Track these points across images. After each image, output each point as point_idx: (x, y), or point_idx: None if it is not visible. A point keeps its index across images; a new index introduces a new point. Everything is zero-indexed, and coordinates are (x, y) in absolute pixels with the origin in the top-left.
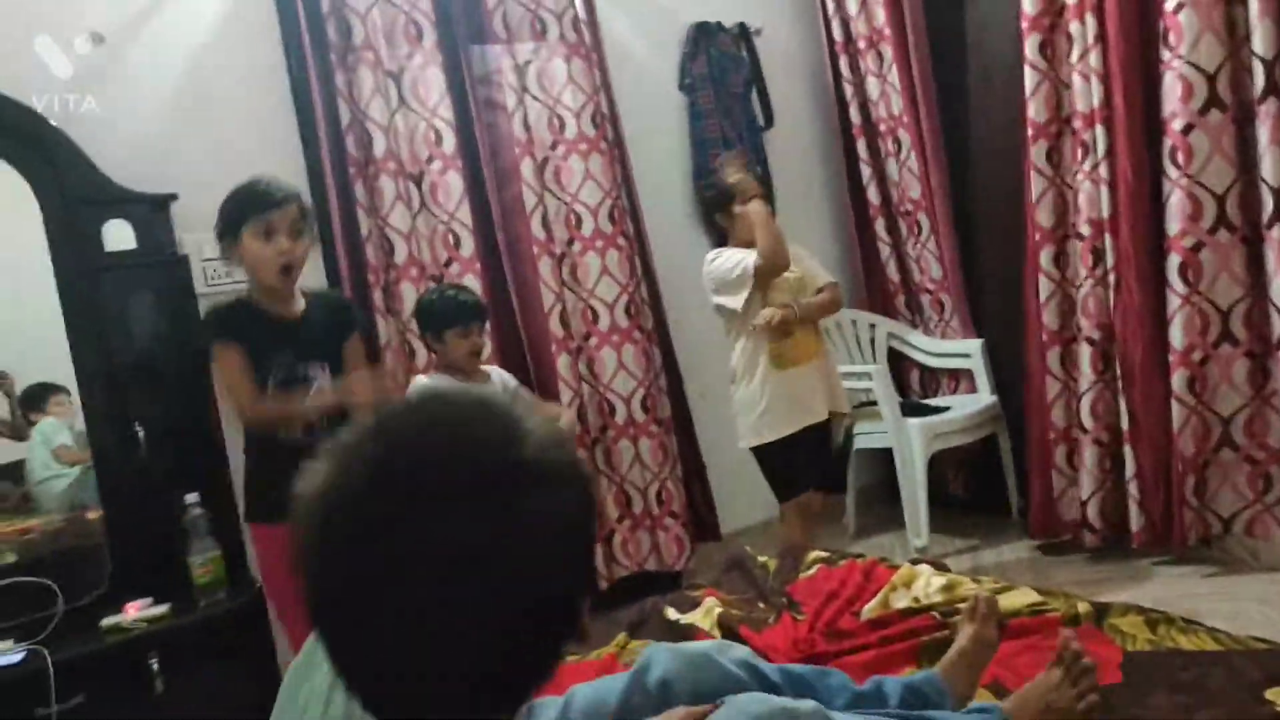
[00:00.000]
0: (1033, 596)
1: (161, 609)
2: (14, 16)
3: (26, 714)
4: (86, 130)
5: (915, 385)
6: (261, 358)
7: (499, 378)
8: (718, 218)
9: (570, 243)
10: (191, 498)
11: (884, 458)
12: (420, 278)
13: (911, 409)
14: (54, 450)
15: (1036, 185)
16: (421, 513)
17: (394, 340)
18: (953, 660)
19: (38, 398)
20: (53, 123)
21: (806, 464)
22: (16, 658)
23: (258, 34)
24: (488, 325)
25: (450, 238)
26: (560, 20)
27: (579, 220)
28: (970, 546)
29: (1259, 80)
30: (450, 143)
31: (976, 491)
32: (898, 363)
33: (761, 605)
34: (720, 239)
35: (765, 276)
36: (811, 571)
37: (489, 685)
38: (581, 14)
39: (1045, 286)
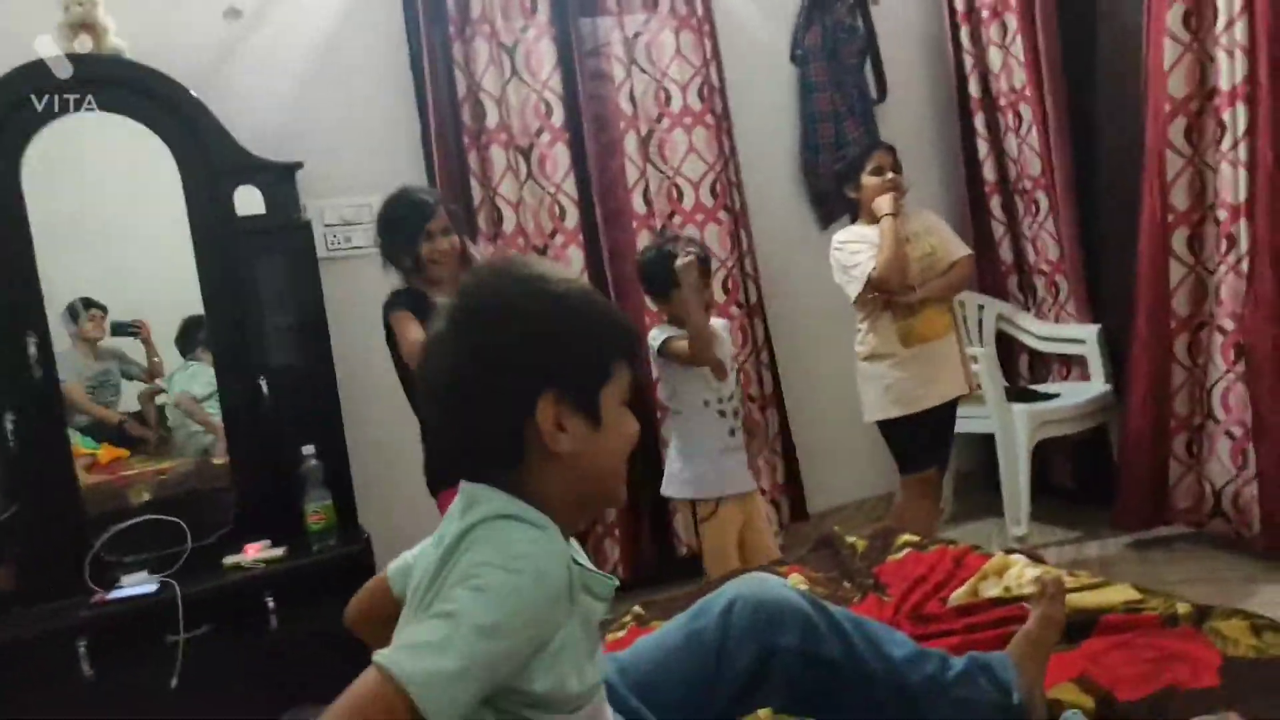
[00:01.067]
0: (1131, 594)
1: (278, 551)
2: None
3: (159, 640)
4: (222, 101)
5: (1024, 370)
6: None
7: (726, 333)
8: (847, 189)
9: (671, 216)
10: (308, 449)
11: (986, 443)
12: (525, 248)
13: (1018, 394)
14: (176, 399)
15: (1173, 165)
16: (461, 329)
17: None
18: (1018, 642)
19: (191, 339)
20: (197, 97)
21: (931, 441)
22: (151, 588)
23: (380, 8)
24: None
25: (556, 209)
26: None
27: (680, 194)
28: (1073, 539)
29: None
30: (559, 115)
31: (1083, 482)
32: (1006, 346)
33: (847, 585)
34: (851, 211)
35: (881, 288)
36: (900, 555)
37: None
38: None
39: (1177, 271)
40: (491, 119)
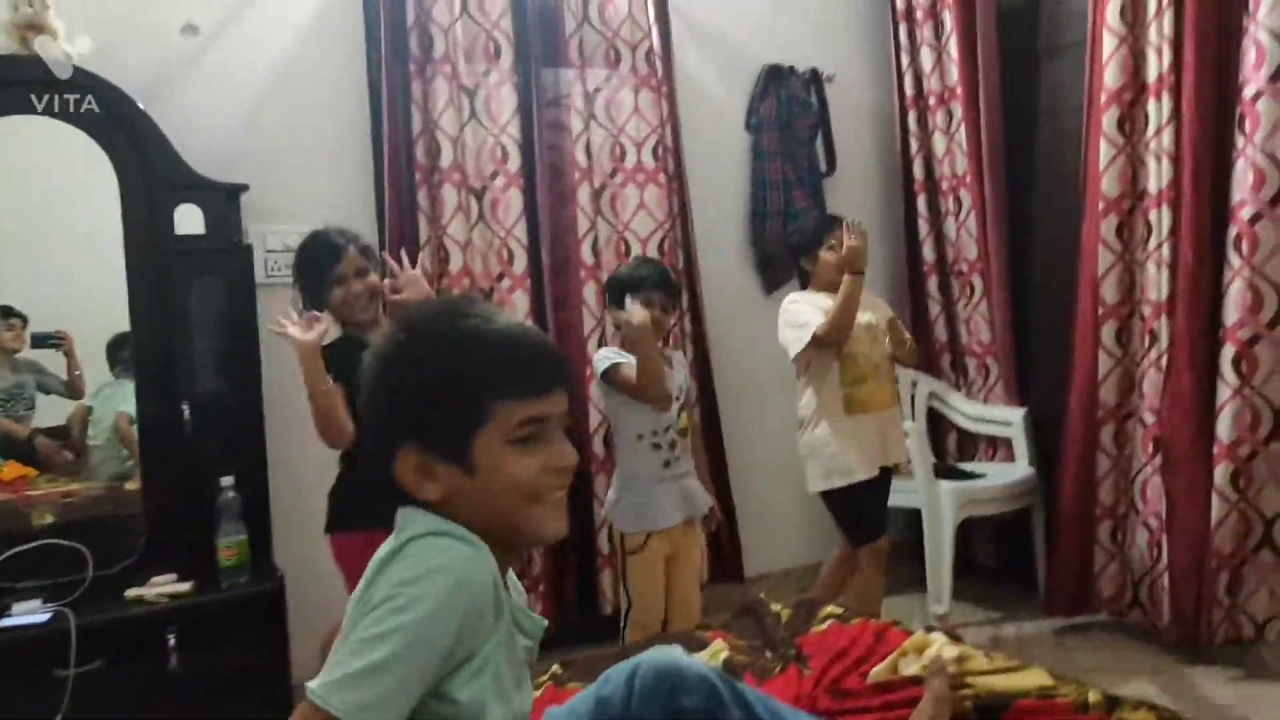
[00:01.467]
0: (1045, 679)
1: (184, 586)
2: (111, 6)
3: (47, 673)
4: (172, 116)
5: (952, 448)
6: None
7: (682, 363)
8: (803, 261)
9: (619, 269)
10: (227, 480)
11: (912, 518)
12: (471, 289)
13: (945, 472)
14: (116, 420)
15: (1104, 260)
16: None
17: None
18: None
19: (119, 355)
20: (145, 109)
21: (877, 511)
22: (43, 617)
23: (342, 39)
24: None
25: (505, 252)
26: (635, 51)
27: (629, 248)
28: (992, 619)
29: None
30: (515, 160)
31: (1005, 563)
32: (936, 423)
33: (769, 654)
34: (802, 278)
35: (820, 345)
36: (824, 626)
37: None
38: (657, 47)
39: (1105, 363)
40: (446, 158)
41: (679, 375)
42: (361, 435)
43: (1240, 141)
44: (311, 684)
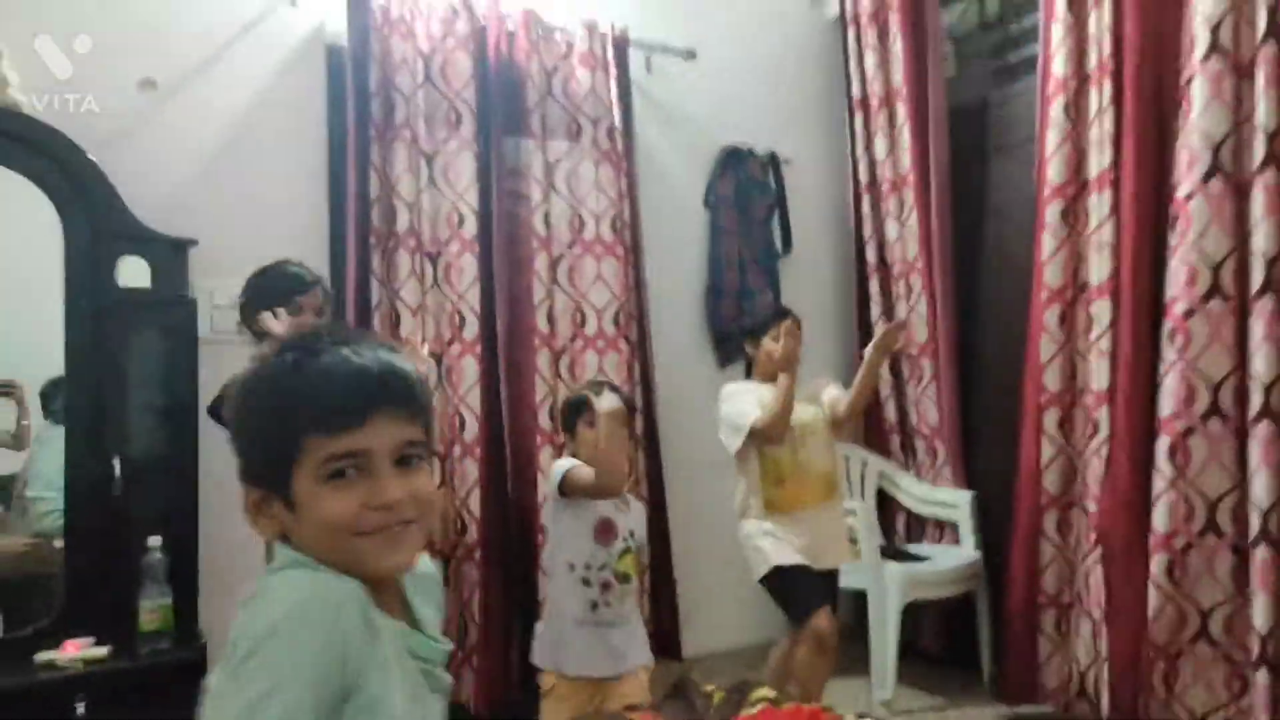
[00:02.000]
0: None
1: (100, 651)
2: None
3: None
4: (122, 168)
5: (900, 529)
6: None
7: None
8: (747, 345)
9: (573, 339)
10: (154, 540)
11: (858, 600)
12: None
13: (892, 553)
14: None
15: (1046, 349)
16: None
17: None
18: None
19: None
20: (92, 158)
21: (811, 584)
22: None
23: (304, 100)
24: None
25: (457, 318)
26: (596, 125)
27: (584, 319)
28: (935, 706)
29: (1258, 274)
30: (472, 227)
31: (950, 648)
32: (885, 504)
33: None
34: (747, 364)
35: (758, 439)
36: (755, 709)
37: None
38: (618, 123)
39: (1048, 449)
40: (402, 223)
41: (631, 520)
42: None
43: (1174, 239)
44: None
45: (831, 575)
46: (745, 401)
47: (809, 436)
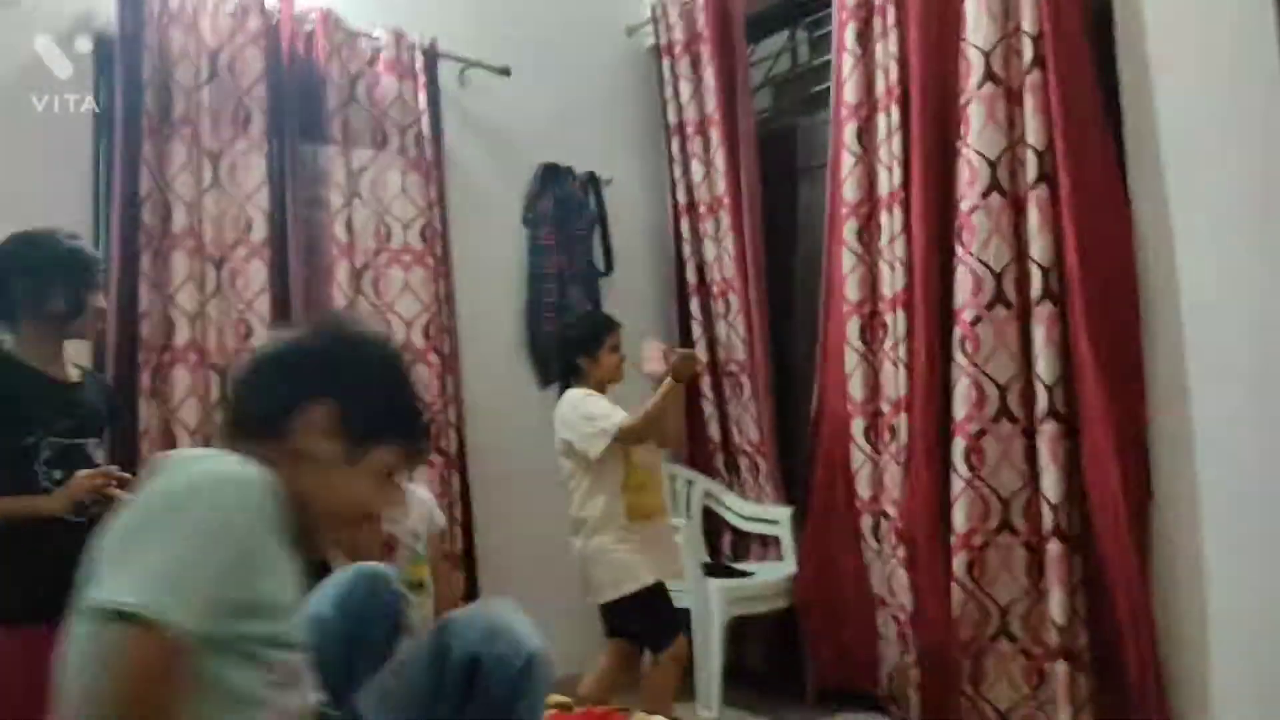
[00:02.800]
0: None
1: None
2: None
3: None
4: None
5: (727, 548)
6: (36, 418)
7: (428, 504)
8: (578, 356)
9: None
10: None
11: (681, 619)
12: (199, 364)
13: (715, 570)
14: None
15: (850, 359)
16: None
17: (154, 426)
18: None
19: None
20: None
21: (671, 608)
22: None
23: (67, 87)
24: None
25: (243, 327)
26: (404, 134)
27: (391, 329)
28: None
29: (1037, 283)
30: (260, 231)
31: (775, 665)
32: (711, 522)
33: None
34: (565, 376)
35: (625, 440)
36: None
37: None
38: (426, 131)
39: (857, 457)
40: (179, 223)
41: (411, 522)
42: None
43: (959, 250)
44: (101, 595)
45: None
46: (602, 405)
47: (652, 447)
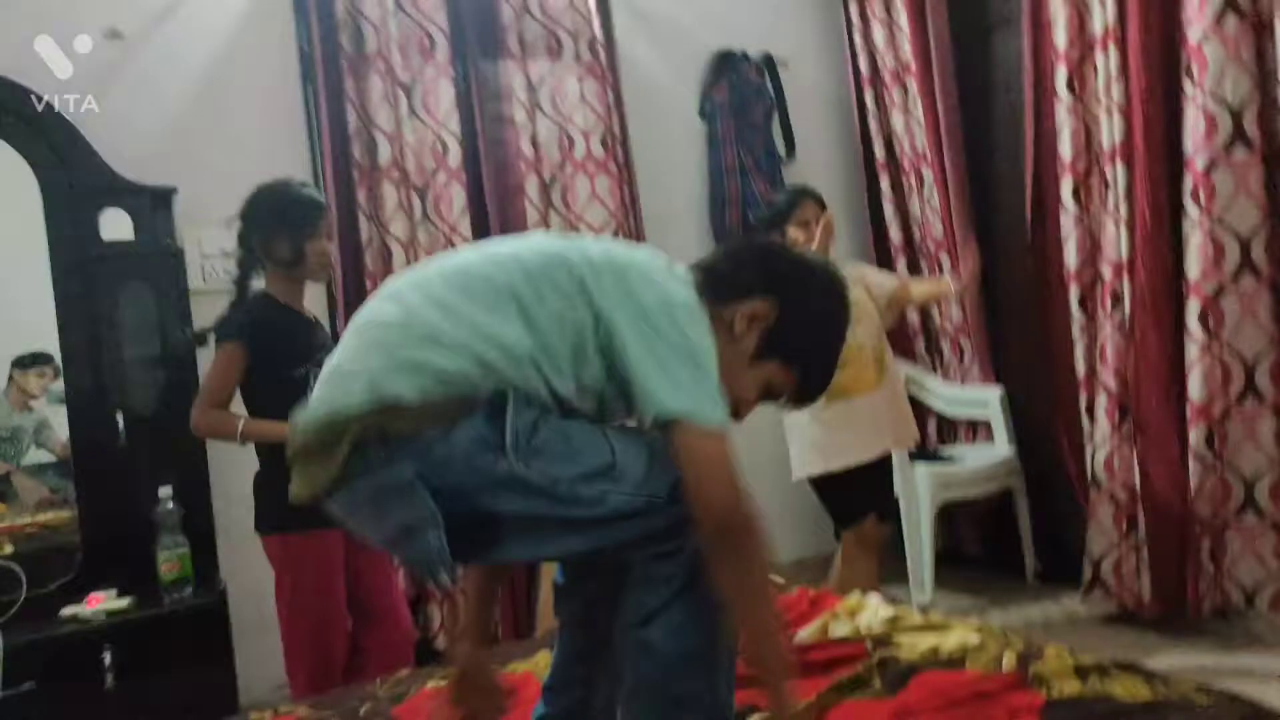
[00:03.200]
0: (970, 637)
1: (123, 602)
2: (26, 9)
3: None
4: (94, 121)
5: (932, 433)
6: (302, 352)
7: None
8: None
9: None
10: (165, 491)
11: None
12: None
13: (922, 457)
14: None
15: (1065, 222)
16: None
17: None
18: None
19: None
20: (59, 111)
21: (863, 494)
22: None
23: (273, 39)
24: None
25: (450, 249)
26: (577, 40)
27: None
28: (977, 607)
29: None
30: (456, 156)
31: (991, 550)
32: (915, 409)
33: None
34: None
35: None
36: None
37: None
38: (599, 35)
39: (1075, 332)
40: (384, 156)
41: None
42: None
43: (1189, 89)
44: (674, 405)
45: (886, 463)
46: None
47: (863, 318)
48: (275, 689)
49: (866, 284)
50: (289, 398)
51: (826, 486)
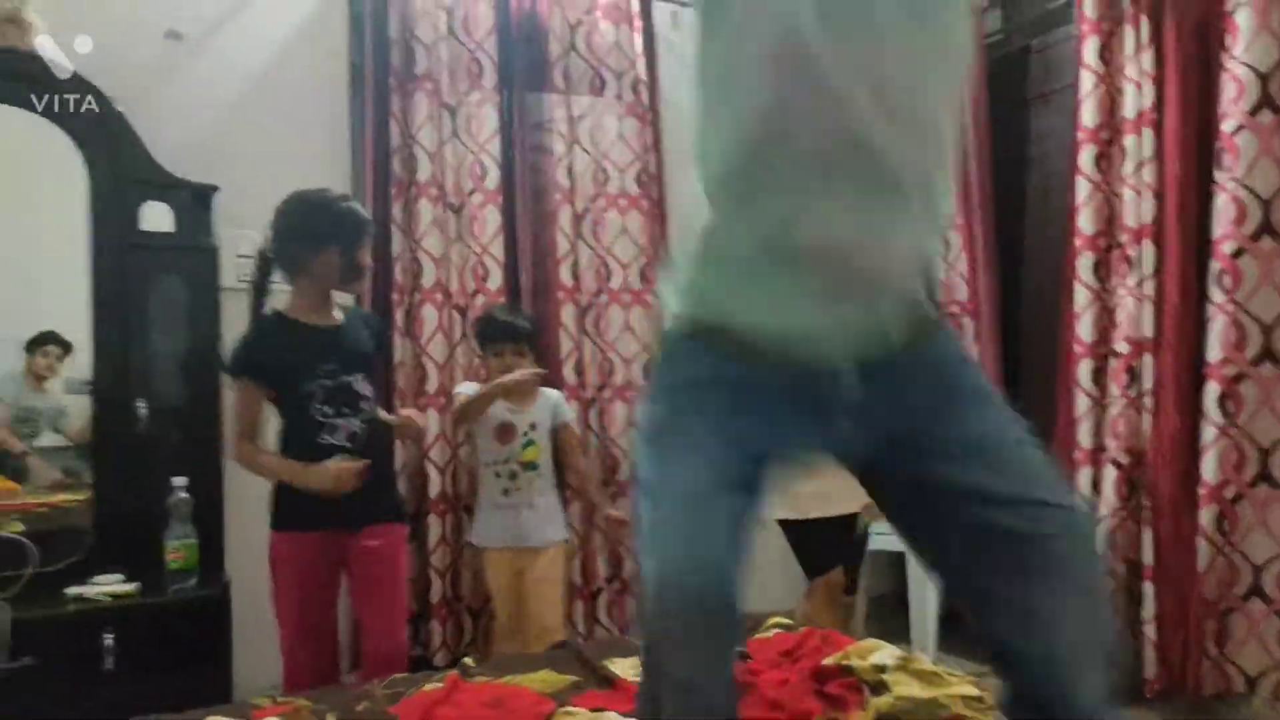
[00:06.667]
0: (970, 690)
1: (128, 586)
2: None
3: None
4: (149, 118)
5: None
6: (304, 367)
7: (552, 400)
8: None
9: (598, 293)
10: (179, 481)
11: (899, 563)
12: (445, 304)
13: None
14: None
15: (1080, 297)
16: None
17: (409, 361)
18: None
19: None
20: (116, 105)
21: (828, 544)
22: None
23: (326, 53)
24: (528, 349)
25: (480, 270)
26: (620, 80)
27: (609, 273)
28: (981, 671)
29: None
30: (494, 179)
31: None
32: None
33: None
34: None
35: None
36: (770, 634)
37: None
38: (643, 76)
39: (1082, 403)
40: (424, 173)
41: (537, 413)
42: None
43: (1221, 176)
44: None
45: (852, 519)
46: None
47: None
48: (272, 689)
49: None
50: (303, 411)
51: (791, 534)
